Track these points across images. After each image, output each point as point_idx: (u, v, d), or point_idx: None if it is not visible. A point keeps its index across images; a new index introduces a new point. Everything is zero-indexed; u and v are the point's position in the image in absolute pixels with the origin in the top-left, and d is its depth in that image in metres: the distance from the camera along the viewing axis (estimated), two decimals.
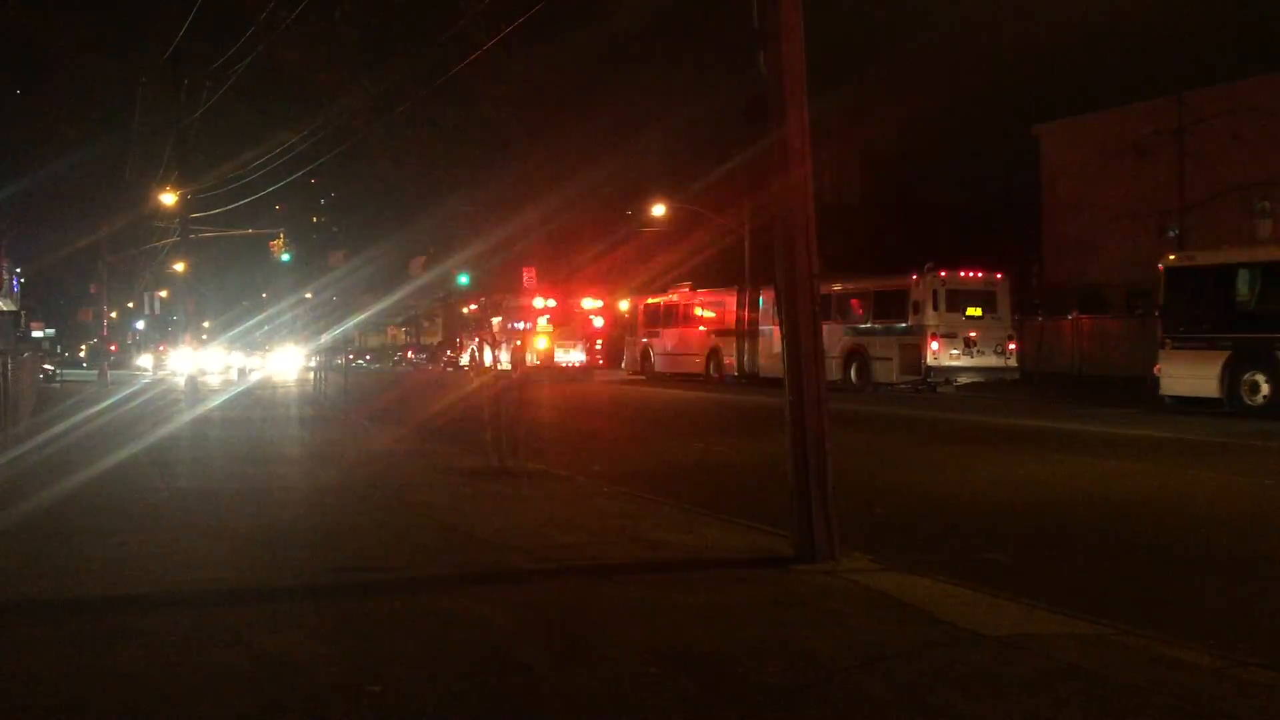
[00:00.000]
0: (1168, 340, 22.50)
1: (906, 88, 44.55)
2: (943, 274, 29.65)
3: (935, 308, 29.39)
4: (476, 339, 59.44)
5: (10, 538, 8.67)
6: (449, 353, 61.61)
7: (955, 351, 29.44)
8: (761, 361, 35.27)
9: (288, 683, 5.14)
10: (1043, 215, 46.36)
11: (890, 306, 30.49)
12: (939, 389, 29.81)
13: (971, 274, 30.30)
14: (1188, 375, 21.68)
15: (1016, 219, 46.53)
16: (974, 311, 29.93)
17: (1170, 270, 22.98)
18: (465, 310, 64.02)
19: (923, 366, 29.39)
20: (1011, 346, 30.47)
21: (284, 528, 9.21)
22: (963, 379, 29.87)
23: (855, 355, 31.33)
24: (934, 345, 29.18)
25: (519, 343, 46.65)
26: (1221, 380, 21.25)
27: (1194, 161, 37.62)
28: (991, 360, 29.90)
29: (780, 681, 5.14)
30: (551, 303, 47.30)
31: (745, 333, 36.59)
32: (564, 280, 53.85)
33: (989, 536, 9.36)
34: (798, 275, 7.83)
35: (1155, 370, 23.17)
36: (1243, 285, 21.58)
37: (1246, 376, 20.95)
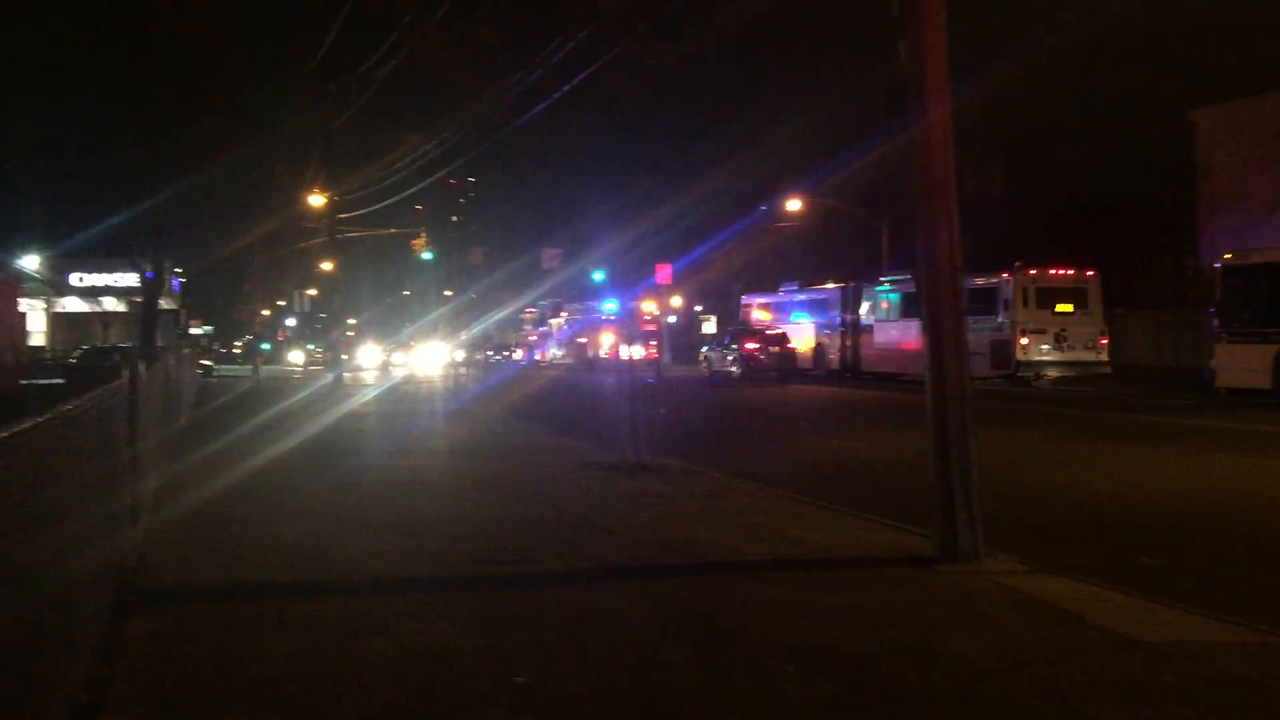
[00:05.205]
0: (1223, 335, 23.47)
1: (1053, 73, 43.18)
2: (1032, 272, 30.64)
3: (1025, 304, 30.33)
4: (531, 338, 62.39)
5: (175, 526, 9.10)
6: (505, 351, 64.12)
7: (1045, 347, 30.37)
8: (864, 355, 36.82)
9: (435, 672, 5.26)
10: (1199, 205, 44.35)
11: (982, 302, 30.76)
12: (1031, 383, 30.30)
13: (1062, 271, 31.12)
14: (1241, 368, 22.37)
15: (1170, 209, 44.66)
16: (1064, 307, 30.72)
17: (1227, 268, 24.01)
18: (525, 313, 66.45)
19: (1012, 361, 30.11)
20: (1103, 341, 31.09)
21: (427, 519, 9.44)
22: (1052, 373, 30.54)
23: None
24: (1024, 340, 30.11)
25: (584, 340, 51.19)
26: (1273, 372, 21.85)
27: None
28: (1082, 355, 30.69)
29: (922, 684, 5.04)
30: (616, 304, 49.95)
31: (849, 328, 37.96)
32: (692, 275, 54.95)
33: (1137, 538, 9.01)
34: (940, 269, 7.68)
35: (1211, 363, 24.30)
36: None
37: None
